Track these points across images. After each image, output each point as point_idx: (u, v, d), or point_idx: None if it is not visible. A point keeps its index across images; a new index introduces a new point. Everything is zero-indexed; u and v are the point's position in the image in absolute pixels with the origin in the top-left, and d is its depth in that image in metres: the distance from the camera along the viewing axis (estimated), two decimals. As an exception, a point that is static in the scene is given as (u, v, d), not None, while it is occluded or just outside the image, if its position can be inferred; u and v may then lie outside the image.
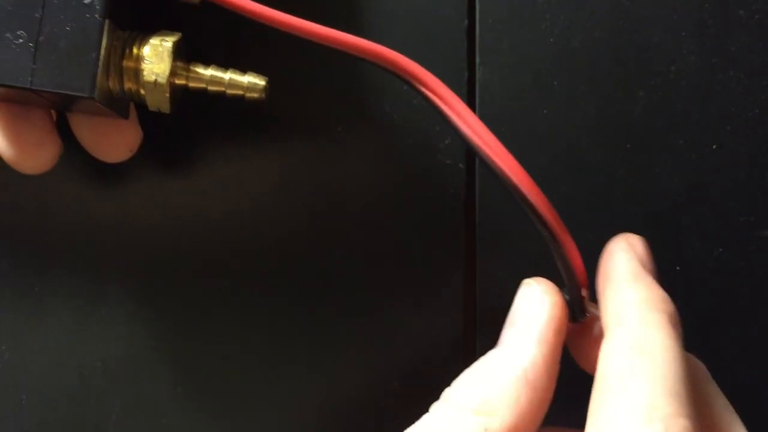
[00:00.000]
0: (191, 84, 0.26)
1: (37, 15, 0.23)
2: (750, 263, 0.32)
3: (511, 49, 0.31)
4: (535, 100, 0.31)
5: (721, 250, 0.32)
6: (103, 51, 0.24)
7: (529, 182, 0.25)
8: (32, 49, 0.23)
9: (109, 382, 0.31)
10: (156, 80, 0.25)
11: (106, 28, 0.24)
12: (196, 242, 0.31)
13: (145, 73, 0.25)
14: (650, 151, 0.31)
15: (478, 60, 0.31)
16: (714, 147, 0.31)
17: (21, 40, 0.23)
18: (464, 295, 0.31)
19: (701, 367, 0.25)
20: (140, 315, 0.31)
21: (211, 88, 0.26)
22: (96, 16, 0.23)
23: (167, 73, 0.25)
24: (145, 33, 0.26)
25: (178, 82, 0.26)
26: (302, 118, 0.31)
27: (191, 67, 0.26)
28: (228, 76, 0.26)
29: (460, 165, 0.31)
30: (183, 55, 0.27)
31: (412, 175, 0.31)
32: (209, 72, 0.26)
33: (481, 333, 0.32)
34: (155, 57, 0.25)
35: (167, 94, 0.26)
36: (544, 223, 0.25)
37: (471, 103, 0.31)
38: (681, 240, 0.32)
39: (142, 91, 0.26)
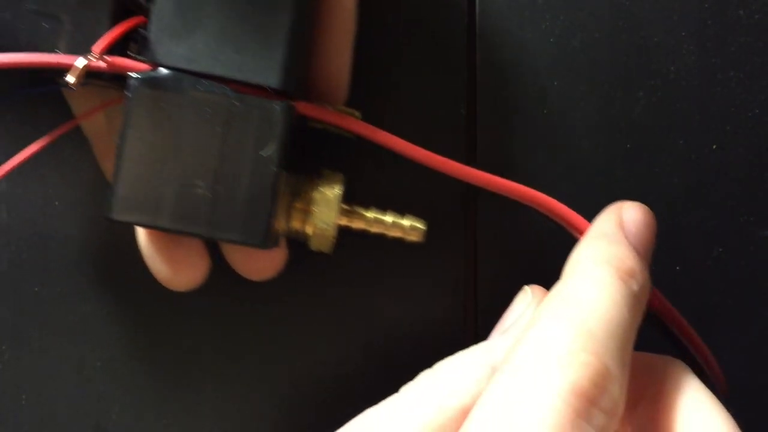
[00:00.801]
0: (354, 225, 0.27)
1: (215, 166, 0.23)
2: (750, 263, 0.32)
3: (511, 49, 0.31)
4: (535, 100, 0.31)
5: (721, 250, 0.32)
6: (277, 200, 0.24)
7: (678, 318, 0.26)
8: (210, 199, 0.23)
9: (109, 382, 0.31)
10: (325, 227, 0.26)
11: (281, 178, 0.24)
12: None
13: (314, 219, 0.25)
14: (650, 151, 0.31)
15: (478, 60, 0.31)
16: (714, 147, 0.31)
17: (200, 190, 0.23)
18: (464, 294, 0.31)
19: (677, 362, 0.25)
20: (141, 315, 0.31)
21: (372, 229, 0.27)
22: (272, 167, 0.23)
23: (336, 221, 0.26)
24: (311, 176, 0.26)
25: (341, 223, 0.27)
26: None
27: (355, 209, 0.27)
28: (390, 219, 0.27)
29: (460, 165, 0.31)
30: (344, 194, 0.27)
31: (412, 175, 0.31)
32: (372, 214, 0.27)
33: (481, 332, 0.32)
34: (324, 204, 0.26)
35: (333, 239, 0.26)
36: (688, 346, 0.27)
37: (471, 104, 0.31)
38: (681, 240, 0.32)
39: (309, 232, 0.26)
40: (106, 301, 0.31)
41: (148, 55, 0.23)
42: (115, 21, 0.24)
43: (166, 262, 0.27)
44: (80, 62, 0.23)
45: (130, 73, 0.23)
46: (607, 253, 0.23)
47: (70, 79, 0.22)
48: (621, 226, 0.24)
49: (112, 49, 0.24)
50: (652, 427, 0.22)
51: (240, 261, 0.28)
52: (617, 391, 0.20)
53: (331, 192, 0.26)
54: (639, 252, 0.23)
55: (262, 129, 0.23)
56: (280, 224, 0.25)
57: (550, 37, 0.31)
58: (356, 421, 0.23)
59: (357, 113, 0.26)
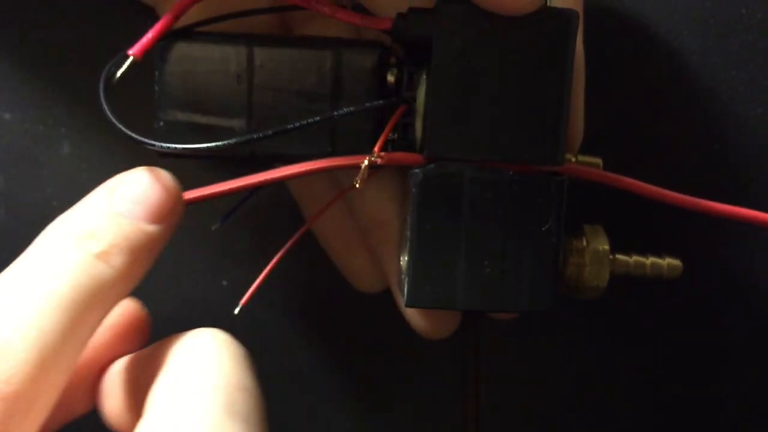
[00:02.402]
0: (616, 270, 0.27)
1: (499, 245, 0.24)
2: (750, 263, 0.32)
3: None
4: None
5: (721, 249, 0.32)
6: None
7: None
8: (498, 276, 0.24)
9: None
10: (597, 284, 0.27)
11: (560, 247, 0.25)
12: (199, 238, 0.31)
13: (587, 276, 0.27)
14: (651, 151, 0.31)
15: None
16: (715, 147, 0.31)
17: (488, 269, 0.24)
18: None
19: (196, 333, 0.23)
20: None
21: (633, 272, 0.28)
22: (553, 239, 0.24)
23: (607, 277, 0.27)
24: (577, 234, 0.27)
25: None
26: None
27: (617, 257, 0.28)
28: (649, 260, 0.28)
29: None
30: None
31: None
32: (633, 259, 0.28)
33: (483, 337, 0.32)
34: (596, 262, 0.27)
35: (601, 292, 0.27)
36: None
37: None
38: (681, 240, 0.31)
39: (580, 287, 0.27)
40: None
41: (426, 149, 0.24)
42: (379, 112, 0.25)
43: (427, 318, 0.29)
44: (365, 162, 0.24)
45: (413, 170, 0.24)
46: (60, 222, 0.22)
47: (358, 181, 0.24)
48: (108, 192, 0.23)
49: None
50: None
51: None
52: (6, 365, 0.19)
53: (602, 248, 0.27)
54: (130, 213, 0.22)
55: (540, 205, 0.24)
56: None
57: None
58: None
59: (599, 161, 0.27)
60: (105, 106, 0.24)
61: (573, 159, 0.27)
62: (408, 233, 0.24)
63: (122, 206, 0.22)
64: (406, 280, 0.25)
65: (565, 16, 0.23)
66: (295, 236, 0.27)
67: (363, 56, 0.25)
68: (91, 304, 0.21)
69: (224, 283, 0.32)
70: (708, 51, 0.31)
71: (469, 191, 0.24)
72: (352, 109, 0.24)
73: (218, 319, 0.31)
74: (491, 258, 0.24)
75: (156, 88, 0.25)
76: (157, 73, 0.25)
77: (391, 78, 0.25)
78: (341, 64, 0.25)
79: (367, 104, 0.25)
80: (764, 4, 0.31)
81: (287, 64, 0.25)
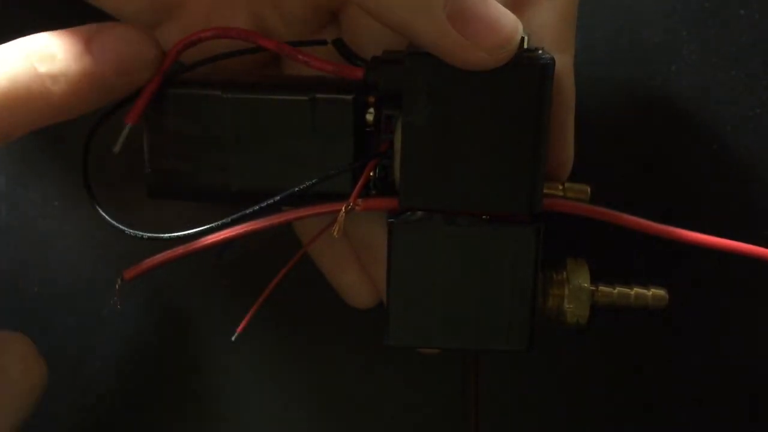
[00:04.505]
0: (599, 301, 0.27)
1: (476, 290, 0.25)
2: (750, 263, 0.32)
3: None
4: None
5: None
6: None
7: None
8: (475, 318, 0.25)
9: (109, 382, 0.31)
10: (578, 321, 0.27)
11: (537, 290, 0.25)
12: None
13: (568, 316, 0.27)
14: (650, 151, 0.31)
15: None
16: (714, 147, 0.31)
17: (465, 311, 0.25)
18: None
19: None
20: (141, 315, 0.31)
21: (618, 303, 0.28)
22: (530, 284, 0.25)
23: (588, 311, 0.27)
24: (559, 268, 0.27)
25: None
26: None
27: (601, 289, 0.27)
28: (634, 291, 0.28)
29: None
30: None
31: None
32: (616, 290, 0.28)
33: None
34: (576, 300, 0.27)
35: (583, 327, 0.27)
36: None
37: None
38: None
39: (561, 320, 0.27)
40: (106, 301, 0.31)
41: (400, 198, 0.24)
42: (357, 156, 0.25)
43: None
44: (342, 211, 0.24)
45: (389, 219, 0.24)
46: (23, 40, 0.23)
47: (336, 230, 0.24)
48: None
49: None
50: None
51: None
52: None
53: (583, 284, 0.27)
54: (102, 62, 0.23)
55: (516, 253, 0.24)
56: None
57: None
58: None
59: (587, 188, 0.27)
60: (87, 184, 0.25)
61: (560, 187, 0.27)
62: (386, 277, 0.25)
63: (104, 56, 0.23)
64: (386, 321, 0.25)
65: (539, 66, 0.23)
66: (289, 264, 0.27)
67: (338, 101, 0.25)
68: (23, 98, 0.22)
69: (224, 282, 0.32)
70: (706, 52, 0.31)
71: (443, 239, 0.24)
72: (320, 177, 0.25)
73: (217, 320, 0.31)
74: (467, 301, 0.25)
75: (144, 136, 0.25)
76: (144, 122, 0.25)
77: (369, 117, 0.25)
78: (317, 110, 0.25)
79: (332, 172, 0.25)
80: (764, 4, 0.31)
81: (265, 111, 0.25)
